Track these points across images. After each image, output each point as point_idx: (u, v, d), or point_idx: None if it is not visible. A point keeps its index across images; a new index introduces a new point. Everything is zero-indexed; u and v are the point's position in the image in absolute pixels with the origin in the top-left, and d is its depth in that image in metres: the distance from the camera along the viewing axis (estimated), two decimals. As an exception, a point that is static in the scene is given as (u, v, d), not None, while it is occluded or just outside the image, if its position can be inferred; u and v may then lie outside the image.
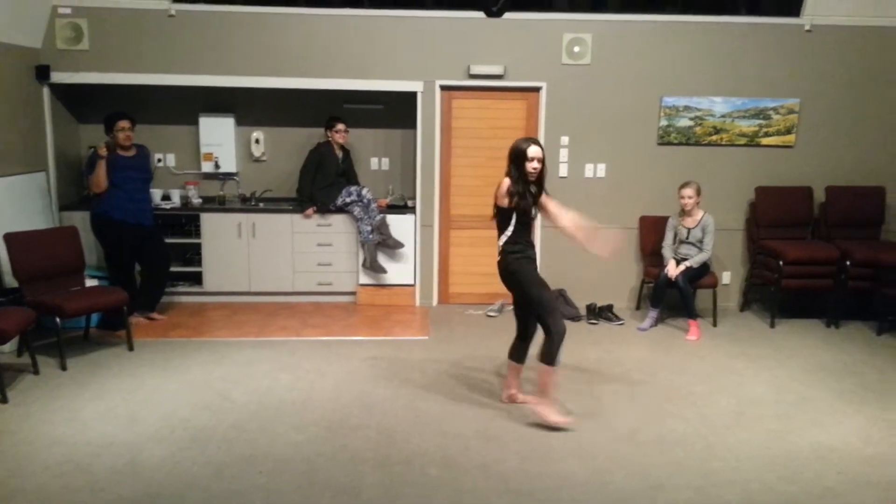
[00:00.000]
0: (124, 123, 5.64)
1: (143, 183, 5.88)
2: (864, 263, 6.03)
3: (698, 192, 5.97)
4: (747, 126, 6.51)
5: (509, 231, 4.12)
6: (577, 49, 6.36)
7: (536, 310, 4.12)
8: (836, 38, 6.41)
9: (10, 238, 5.07)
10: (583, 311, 6.37)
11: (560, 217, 4.18)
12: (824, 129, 6.56)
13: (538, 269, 4.25)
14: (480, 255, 6.61)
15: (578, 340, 5.71)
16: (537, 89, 6.46)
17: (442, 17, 6.31)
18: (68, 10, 6.14)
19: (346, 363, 5.13)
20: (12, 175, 5.71)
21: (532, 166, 4.00)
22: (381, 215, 6.44)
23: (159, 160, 6.80)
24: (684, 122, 6.50)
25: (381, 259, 6.51)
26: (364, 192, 6.43)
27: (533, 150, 4.01)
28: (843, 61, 6.46)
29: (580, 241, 4.20)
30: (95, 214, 5.73)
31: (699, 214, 6.03)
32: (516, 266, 4.12)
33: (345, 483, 3.49)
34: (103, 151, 5.57)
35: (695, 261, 5.95)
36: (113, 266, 5.83)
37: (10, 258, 5.05)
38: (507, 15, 6.06)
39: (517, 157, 4.03)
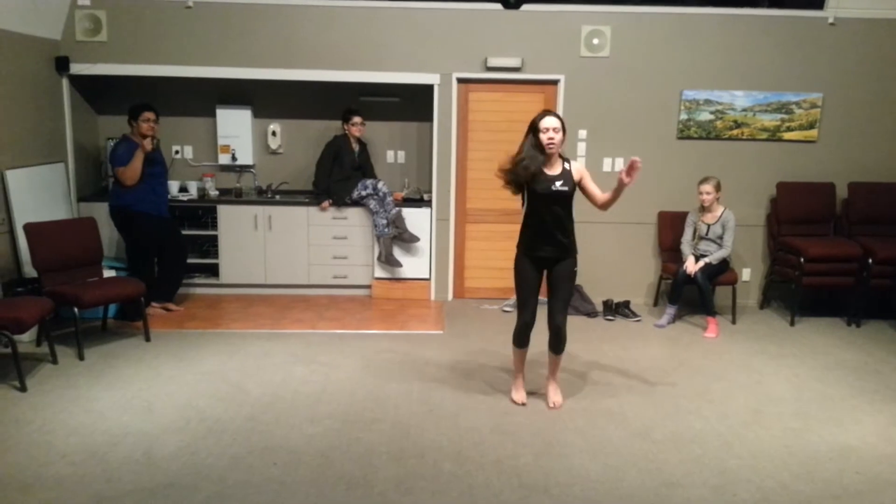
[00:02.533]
0: (150, 115, 5.67)
1: (162, 175, 5.93)
2: (887, 261, 5.93)
3: (718, 188, 5.90)
4: (769, 120, 6.42)
5: (523, 213, 4.09)
6: (595, 41, 6.30)
7: None
8: (860, 32, 6.29)
9: (30, 228, 5.11)
10: (599, 307, 6.33)
11: (598, 196, 4.07)
12: (847, 124, 6.45)
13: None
14: (496, 249, 6.59)
15: (595, 336, 5.68)
16: (555, 82, 6.41)
17: (459, 9, 6.28)
18: (87, 2, 6.17)
19: (360, 357, 5.12)
20: (32, 166, 5.76)
21: (546, 137, 3.88)
22: (397, 209, 6.42)
23: (177, 152, 6.83)
24: (705, 116, 6.42)
25: (397, 253, 6.50)
26: (380, 185, 6.41)
27: (547, 121, 3.90)
28: (867, 55, 6.34)
29: (619, 192, 3.95)
30: (116, 207, 5.75)
31: (719, 210, 5.96)
32: (516, 261, 4.17)
33: (358, 476, 3.49)
34: (149, 146, 5.62)
35: (714, 257, 5.88)
36: (133, 257, 5.86)
37: (29, 248, 5.09)
38: (525, 7, 6.03)
39: (532, 130, 3.96)
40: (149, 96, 6.03)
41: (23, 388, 4.40)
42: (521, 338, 4.26)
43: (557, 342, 4.22)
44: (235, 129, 6.77)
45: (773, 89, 6.38)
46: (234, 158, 6.80)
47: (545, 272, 4.16)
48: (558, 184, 3.95)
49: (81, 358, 4.95)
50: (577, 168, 4.07)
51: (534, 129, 3.95)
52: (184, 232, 6.28)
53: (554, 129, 3.90)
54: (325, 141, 6.55)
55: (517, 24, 6.27)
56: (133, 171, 5.59)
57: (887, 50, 6.34)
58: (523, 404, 4.30)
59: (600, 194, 4.08)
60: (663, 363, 5.14)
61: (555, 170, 3.99)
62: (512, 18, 6.22)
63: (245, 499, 3.28)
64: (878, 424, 4.19)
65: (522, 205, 4.10)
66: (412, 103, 6.76)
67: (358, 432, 3.94)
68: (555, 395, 4.32)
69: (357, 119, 6.43)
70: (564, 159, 4.04)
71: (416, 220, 6.52)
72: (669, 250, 6.37)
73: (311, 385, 4.59)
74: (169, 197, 6.20)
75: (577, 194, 4.11)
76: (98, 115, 6.76)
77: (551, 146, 3.90)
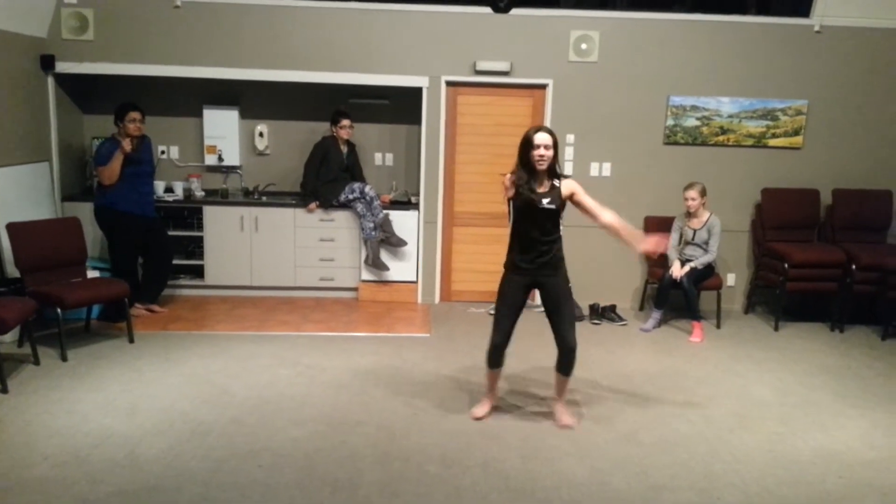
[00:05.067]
0: (136, 115, 5.63)
1: (147, 175, 5.88)
2: (870, 267, 5.99)
3: (703, 194, 5.93)
4: (754, 127, 6.48)
5: (509, 230, 3.98)
6: (584, 46, 6.33)
7: None
8: (845, 40, 6.36)
9: (13, 228, 5.06)
10: (586, 311, 6.34)
11: (599, 215, 3.92)
12: (832, 132, 6.52)
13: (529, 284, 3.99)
14: (483, 252, 6.60)
15: (581, 340, 5.59)
16: (543, 86, 6.43)
17: (449, 12, 6.29)
18: (74, 0, 6.12)
19: (346, 359, 5.11)
20: (16, 165, 5.70)
21: (538, 153, 3.77)
22: (385, 213, 6.41)
23: (163, 152, 6.79)
24: (691, 122, 6.46)
25: (384, 256, 6.48)
26: (367, 189, 6.39)
27: (539, 137, 3.79)
28: (852, 63, 6.41)
29: (625, 238, 3.96)
30: (100, 206, 5.71)
31: (705, 216, 5.99)
32: (501, 282, 4.05)
33: (343, 479, 3.47)
34: (129, 147, 5.54)
35: (700, 262, 5.91)
36: (116, 257, 5.81)
37: (12, 248, 5.04)
38: (514, 11, 6.03)
39: (524, 146, 3.83)
40: (135, 96, 5.98)
41: (4, 390, 4.35)
42: (494, 358, 4.10)
43: (569, 364, 4.03)
44: (222, 129, 6.74)
45: (759, 96, 6.44)
46: (220, 159, 6.77)
47: (539, 294, 4.04)
48: (545, 201, 3.83)
49: (64, 359, 4.90)
50: (568, 185, 3.92)
51: (527, 142, 3.84)
52: (169, 233, 6.23)
53: (545, 146, 3.79)
54: (312, 143, 6.52)
55: (506, 28, 6.28)
56: (111, 170, 5.55)
57: (872, 58, 6.41)
58: (478, 419, 4.15)
59: (603, 214, 3.92)
60: (649, 367, 5.16)
61: (543, 187, 3.87)
62: (501, 22, 6.24)
63: (229, 501, 3.25)
64: (861, 429, 4.23)
65: (509, 220, 3.99)
66: (401, 106, 6.76)
67: (343, 435, 3.93)
68: (566, 417, 4.16)
69: (345, 122, 6.41)
70: (555, 177, 3.90)
71: (404, 222, 6.52)
72: (655, 255, 6.39)
73: (296, 387, 4.56)
74: (155, 197, 6.15)
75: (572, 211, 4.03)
76: (84, 115, 6.70)
77: (541, 162, 3.80)
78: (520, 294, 4.02)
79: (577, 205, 3.96)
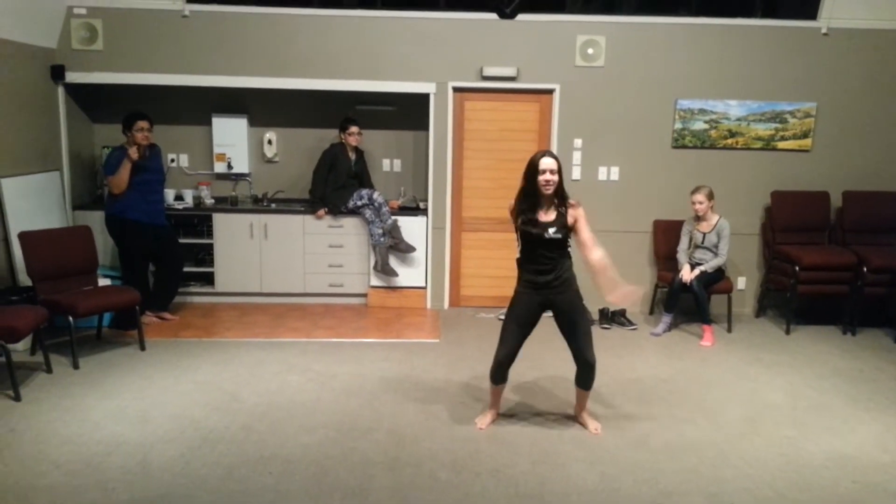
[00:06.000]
0: (143, 124, 5.66)
1: (157, 183, 5.91)
2: (881, 270, 5.95)
3: (710, 197, 5.91)
4: (763, 130, 6.46)
5: (518, 253, 3.99)
6: (590, 51, 6.33)
7: None
8: (853, 42, 6.34)
9: (25, 237, 5.10)
10: (595, 316, 6.31)
11: (590, 251, 3.89)
12: (841, 134, 6.49)
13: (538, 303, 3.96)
14: (492, 257, 6.60)
15: (590, 344, 5.68)
16: (550, 91, 6.43)
17: (455, 18, 6.30)
18: (83, 11, 6.18)
19: (356, 365, 5.11)
20: (27, 174, 5.75)
21: (543, 178, 3.79)
22: (393, 219, 6.42)
23: (172, 160, 6.83)
24: (699, 125, 6.45)
25: (393, 262, 6.49)
26: (375, 195, 6.41)
27: (545, 162, 3.80)
28: (860, 65, 6.39)
29: (600, 282, 3.93)
30: (110, 215, 5.75)
31: (714, 219, 5.97)
32: (513, 295, 4.04)
33: (354, 485, 3.48)
34: (135, 155, 5.58)
35: (710, 265, 5.89)
36: (127, 266, 5.84)
37: (24, 257, 5.08)
38: (520, 16, 6.00)
39: (530, 171, 3.85)
40: (144, 105, 6.03)
41: (17, 398, 4.38)
42: (498, 375, 4.07)
43: (587, 378, 4.03)
44: (231, 137, 6.77)
45: (768, 99, 6.42)
46: (229, 167, 6.80)
47: (552, 316, 4.00)
48: (551, 231, 3.84)
49: (76, 367, 4.93)
50: (573, 213, 3.89)
51: (533, 168, 3.84)
52: (179, 240, 6.26)
53: (551, 171, 3.80)
54: (320, 150, 6.55)
55: (512, 33, 6.29)
56: (119, 179, 5.58)
57: (880, 59, 6.38)
58: (481, 429, 4.15)
59: (593, 252, 3.88)
60: (659, 372, 5.14)
61: (549, 215, 3.87)
62: (507, 28, 6.24)
63: (240, 508, 3.27)
64: (874, 433, 4.20)
65: (517, 244, 3.98)
66: (408, 112, 6.78)
67: (353, 441, 3.93)
68: (593, 423, 4.17)
69: (354, 129, 6.43)
70: (561, 202, 3.88)
71: (412, 228, 6.53)
72: (665, 259, 6.38)
73: (306, 394, 4.58)
74: (164, 205, 6.18)
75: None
76: (93, 124, 6.76)
77: (547, 187, 3.81)
78: (531, 312, 3.99)
79: (575, 233, 3.94)
